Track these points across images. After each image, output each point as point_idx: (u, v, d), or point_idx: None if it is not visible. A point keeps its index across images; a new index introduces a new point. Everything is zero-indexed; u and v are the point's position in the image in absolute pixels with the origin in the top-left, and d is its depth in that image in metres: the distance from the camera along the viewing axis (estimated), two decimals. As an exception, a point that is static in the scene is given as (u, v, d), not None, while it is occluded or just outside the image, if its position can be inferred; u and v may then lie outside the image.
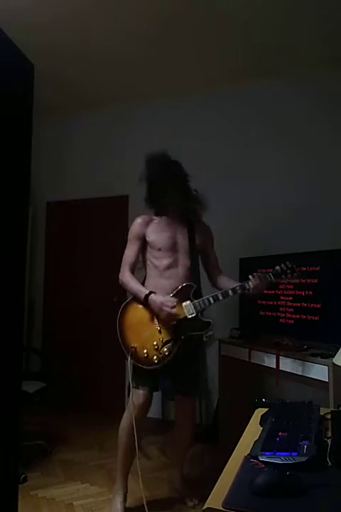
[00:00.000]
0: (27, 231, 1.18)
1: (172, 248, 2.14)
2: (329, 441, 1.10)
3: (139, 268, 2.23)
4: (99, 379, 3.87)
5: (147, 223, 2.19)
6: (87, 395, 3.84)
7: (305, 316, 2.48)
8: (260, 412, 1.37)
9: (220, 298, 2.05)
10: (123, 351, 2.08)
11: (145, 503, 1.92)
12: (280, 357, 2.40)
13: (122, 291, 2.89)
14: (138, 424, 1.99)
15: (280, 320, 2.64)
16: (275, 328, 2.67)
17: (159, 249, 2.13)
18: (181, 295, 2.07)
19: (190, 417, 2.31)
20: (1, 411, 1.04)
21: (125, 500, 2.11)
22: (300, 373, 2.28)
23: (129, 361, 2.03)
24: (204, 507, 0.84)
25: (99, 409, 3.68)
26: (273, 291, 2.67)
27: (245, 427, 1.28)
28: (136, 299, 2.12)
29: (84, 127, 4.12)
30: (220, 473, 0.97)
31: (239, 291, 2.09)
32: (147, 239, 2.17)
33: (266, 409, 1.36)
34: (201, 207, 2.23)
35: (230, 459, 1.05)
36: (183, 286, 2.09)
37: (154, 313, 2.06)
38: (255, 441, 1.10)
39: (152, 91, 3.71)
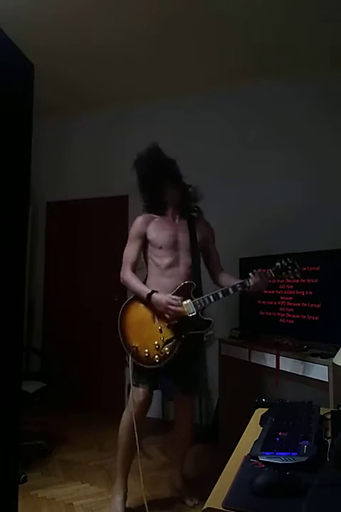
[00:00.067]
0: (27, 231, 1.18)
1: (174, 246, 2.14)
2: (329, 441, 1.10)
3: (139, 269, 2.23)
4: (99, 379, 3.87)
5: (148, 222, 2.19)
6: (87, 394, 3.85)
7: (305, 316, 2.48)
8: (260, 412, 1.37)
9: (220, 296, 2.04)
10: (125, 350, 2.08)
11: (145, 502, 1.92)
12: (280, 357, 2.40)
13: (122, 290, 2.90)
14: (139, 422, 2.00)
15: (280, 320, 2.64)
16: (275, 328, 2.67)
17: (160, 248, 2.13)
18: (181, 294, 2.07)
19: (190, 415, 2.31)
20: (1, 411, 1.04)
21: (125, 499, 2.11)
22: (300, 373, 2.28)
23: (130, 360, 2.03)
24: (204, 507, 0.84)
25: (99, 409, 3.68)
26: (273, 291, 2.67)
27: (245, 427, 1.28)
28: (137, 298, 2.12)
29: (84, 127, 4.12)
30: (220, 473, 0.97)
31: (239, 289, 2.08)
32: (148, 237, 2.17)
33: (266, 409, 1.36)
34: (196, 199, 2.26)
35: (230, 459, 1.05)
36: (183, 285, 2.09)
37: (155, 312, 2.06)
38: (255, 441, 1.10)
39: (152, 91, 3.71)
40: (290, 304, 2.58)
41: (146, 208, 2.25)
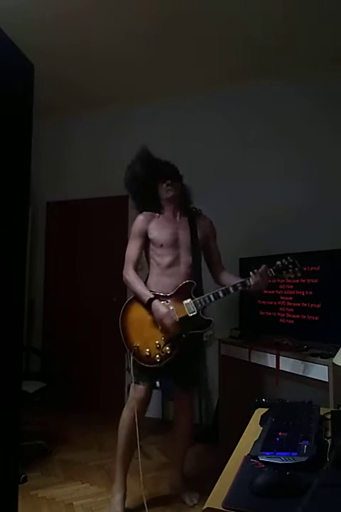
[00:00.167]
0: (27, 231, 1.18)
1: (174, 244, 2.14)
2: (329, 441, 1.10)
3: (139, 269, 2.23)
4: (99, 379, 3.87)
5: (149, 220, 2.19)
6: (87, 394, 3.84)
7: (305, 316, 2.48)
8: (260, 412, 1.36)
9: (221, 295, 2.04)
10: (126, 349, 2.09)
11: (145, 501, 1.92)
12: (280, 357, 2.40)
13: (122, 291, 2.90)
14: (139, 419, 2.00)
15: (280, 320, 2.64)
16: (276, 328, 2.67)
17: (161, 246, 2.14)
18: (182, 293, 2.07)
19: (189, 415, 2.31)
20: (1, 411, 1.04)
21: (124, 498, 2.11)
22: (300, 373, 2.28)
23: (131, 358, 2.03)
24: (204, 507, 0.84)
25: (98, 409, 3.68)
26: (273, 291, 2.67)
27: (245, 427, 1.27)
28: (138, 298, 2.13)
29: (84, 127, 4.12)
30: (220, 473, 0.97)
31: (239, 288, 2.08)
32: (149, 235, 2.18)
33: (266, 409, 1.36)
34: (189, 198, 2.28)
35: (230, 459, 1.05)
36: (184, 284, 2.09)
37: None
38: (255, 441, 1.10)
39: (152, 91, 3.71)
40: (290, 303, 2.58)
41: (143, 207, 2.25)
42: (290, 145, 3.35)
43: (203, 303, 2.05)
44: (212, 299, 2.05)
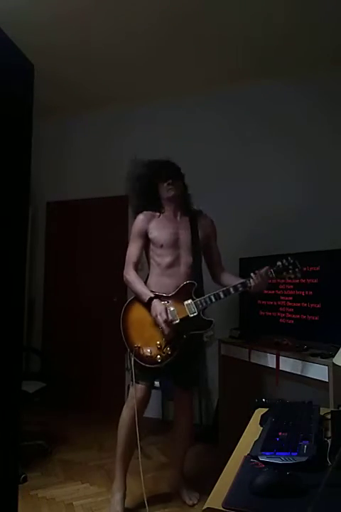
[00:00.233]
0: (27, 231, 1.18)
1: (175, 244, 2.14)
2: (329, 441, 1.10)
3: (140, 269, 2.23)
4: (99, 379, 3.87)
5: (149, 220, 2.19)
6: (87, 394, 3.84)
7: (305, 316, 2.48)
8: (260, 412, 1.37)
9: (221, 296, 2.04)
10: (126, 349, 2.09)
11: (145, 499, 1.92)
12: (280, 357, 2.40)
13: (122, 291, 2.90)
14: (138, 418, 2.01)
15: (280, 320, 2.64)
16: (276, 328, 2.67)
17: (161, 246, 2.13)
18: (183, 293, 2.07)
19: (189, 415, 2.31)
20: (1, 411, 1.04)
21: (124, 498, 2.11)
22: (300, 373, 2.28)
23: (132, 358, 2.03)
24: (204, 507, 0.84)
25: (98, 409, 3.68)
26: (273, 291, 2.67)
27: (245, 427, 1.27)
28: (138, 298, 2.12)
29: (84, 127, 4.12)
30: (220, 473, 0.97)
31: (240, 289, 2.08)
32: (149, 235, 2.17)
33: (266, 409, 1.36)
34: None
35: (230, 459, 1.05)
36: (184, 285, 2.09)
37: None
38: (255, 441, 1.10)
39: (152, 91, 3.71)
40: (290, 304, 2.58)
41: (143, 207, 2.24)
42: (290, 145, 3.35)
43: (204, 304, 2.05)
44: (213, 299, 2.05)
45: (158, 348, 2.03)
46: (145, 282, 2.17)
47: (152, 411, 3.20)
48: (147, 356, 2.03)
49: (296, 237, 3.10)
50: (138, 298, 2.12)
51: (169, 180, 2.17)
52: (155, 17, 2.70)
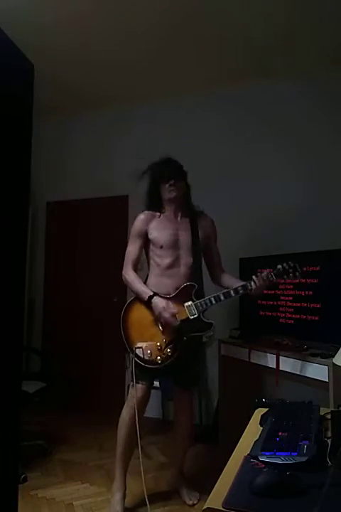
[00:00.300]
0: (27, 231, 1.18)
1: (174, 245, 2.14)
2: (329, 441, 1.10)
3: (139, 269, 2.23)
4: (99, 379, 3.87)
5: (149, 220, 2.18)
6: (87, 394, 3.84)
7: (305, 316, 2.48)
8: (260, 412, 1.37)
9: (222, 298, 2.04)
10: (127, 349, 2.09)
11: (146, 498, 1.92)
12: (280, 357, 2.40)
13: (122, 291, 2.90)
14: (139, 418, 2.01)
15: (280, 320, 2.64)
16: (276, 328, 2.67)
17: (161, 247, 2.13)
18: (183, 295, 2.07)
19: (189, 415, 2.31)
20: (1, 411, 1.04)
21: (124, 498, 2.11)
22: (300, 373, 2.28)
23: (132, 359, 2.03)
24: (204, 507, 0.84)
25: (98, 409, 3.68)
26: (273, 291, 2.67)
27: (245, 427, 1.28)
28: (139, 298, 2.12)
29: (84, 127, 4.12)
30: (220, 473, 0.97)
31: (241, 292, 2.08)
32: (149, 236, 2.17)
33: (266, 409, 1.36)
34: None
35: (230, 459, 1.05)
36: (185, 286, 2.09)
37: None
38: (255, 441, 1.10)
39: (152, 91, 3.71)
40: (290, 303, 2.58)
41: (146, 206, 2.24)
42: (290, 145, 3.35)
43: (204, 305, 2.05)
44: (213, 301, 2.05)
45: (158, 349, 2.03)
46: (145, 282, 2.16)
47: (152, 411, 3.20)
48: (147, 357, 2.03)
49: (296, 237, 3.10)
50: (138, 297, 2.12)
51: (171, 180, 2.15)
52: (155, 17, 2.70)
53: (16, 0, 2.51)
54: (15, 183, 1.11)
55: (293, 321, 2.55)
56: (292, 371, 2.33)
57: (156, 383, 2.78)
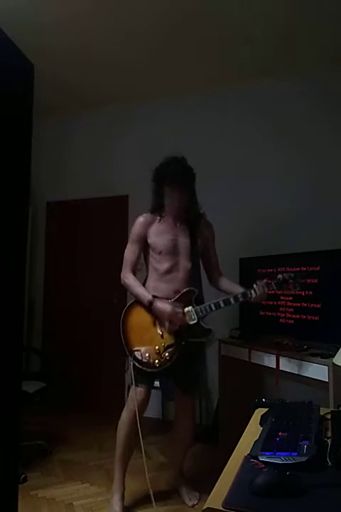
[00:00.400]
0: (27, 231, 1.18)
1: (173, 251, 2.13)
2: (329, 441, 1.10)
3: (138, 269, 2.23)
4: (99, 379, 3.87)
5: (149, 224, 2.16)
6: (87, 395, 3.84)
7: (305, 316, 2.48)
8: (260, 412, 1.37)
9: (222, 305, 2.05)
10: (126, 351, 2.09)
11: (151, 493, 1.94)
12: (280, 357, 2.40)
13: (122, 291, 2.90)
14: (138, 420, 2.00)
15: (280, 320, 2.64)
16: (276, 328, 2.67)
17: (160, 253, 2.12)
18: (183, 300, 2.08)
19: (190, 415, 2.31)
20: (1, 411, 1.04)
21: (123, 499, 2.12)
22: (300, 373, 2.28)
23: (131, 362, 2.04)
24: (204, 507, 0.84)
25: (98, 409, 3.68)
26: (273, 291, 2.66)
27: (245, 427, 1.28)
28: (138, 301, 2.12)
29: (84, 127, 4.12)
30: (220, 473, 0.97)
31: (241, 299, 2.09)
32: (148, 240, 2.16)
33: (266, 409, 1.36)
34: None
35: (230, 459, 1.05)
36: (185, 292, 2.09)
37: (157, 317, 2.06)
38: (255, 441, 1.10)
39: (152, 91, 3.71)
40: (290, 303, 2.58)
41: (150, 209, 2.21)
42: (290, 145, 3.36)
43: (204, 312, 2.06)
44: (213, 308, 2.05)
45: (157, 353, 2.03)
46: (143, 285, 2.16)
47: (152, 411, 3.20)
48: (145, 360, 2.03)
49: (296, 237, 3.10)
50: (138, 301, 2.12)
51: (176, 189, 2.09)
52: (155, 17, 2.70)
53: (16, 0, 2.51)
54: (15, 183, 1.11)
55: (293, 321, 2.55)
56: (292, 371, 2.33)
57: (156, 383, 2.78)
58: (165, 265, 2.12)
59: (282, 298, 2.64)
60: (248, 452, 1.05)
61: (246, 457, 1.03)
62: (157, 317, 2.06)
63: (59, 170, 4.17)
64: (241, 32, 2.85)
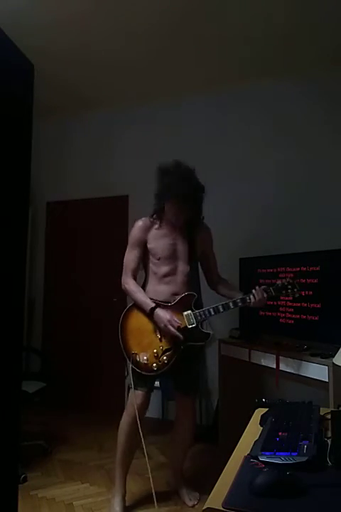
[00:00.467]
0: (27, 231, 1.18)
1: (172, 255, 2.13)
2: (329, 441, 1.10)
3: (140, 269, 2.23)
4: (99, 379, 3.87)
5: (148, 228, 2.16)
6: (87, 395, 3.85)
7: (305, 316, 2.48)
8: (260, 412, 1.37)
9: (221, 310, 2.06)
10: (124, 355, 2.09)
11: (154, 493, 1.94)
12: (280, 357, 2.40)
13: (122, 291, 2.89)
14: (137, 424, 2.00)
15: (280, 320, 2.64)
16: (276, 328, 2.67)
17: (159, 259, 2.13)
18: (182, 304, 2.08)
19: (191, 416, 2.31)
20: (1, 411, 1.04)
21: (124, 500, 2.12)
22: (300, 373, 2.28)
23: (130, 366, 2.04)
24: (204, 507, 0.84)
25: (98, 409, 3.69)
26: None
27: (245, 427, 1.28)
28: (138, 306, 2.12)
29: (84, 127, 4.12)
30: (220, 473, 0.97)
31: (239, 304, 2.10)
32: (148, 245, 2.16)
33: (266, 409, 1.36)
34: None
35: (230, 459, 1.05)
36: (184, 296, 2.09)
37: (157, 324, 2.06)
38: (255, 441, 1.10)
39: (152, 91, 3.71)
40: (290, 303, 2.58)
41: (151, 213, 2.19)
42: (290, 145, 3.36)
43: (203, 316, 2.06)
44: (212, 313, 2.06)
45: (155, 357, 2.03)
46: (142, 287, 2.16)
47: (152, 411, 3.20)
48: (144, 364, 2.03)
49: (296, 237, 3.10)
50: (138, 306, 2.11)
51: (182, 208, 2.05)
52: (155, 17, 2.70)
53: (17, 0, 2.51)
54: (15, 183, 1.11)
55: (293, 321, 2.55)
56: (292, 371, 2.33)
57: (156, 383, 2.78)
58: (164, 269, 2.12)
59: (282, 298, 2.64)
60: (248, 452, 1.05)
61: (246, 457, 1.03)
62: (157, 324, 2.05)
63: (59, 170, 4.17)
64: (241, 32, 2.85)
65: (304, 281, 2.46)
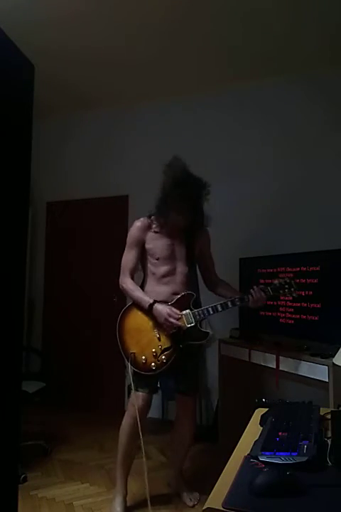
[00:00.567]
0: (27, 231, 1.18)
1: (170, 256, 2.14)
2: (329, 441, 1.10)
3: (139, 269, 2.23)
4: (99, 379, 3.87)
5: (146, 229, 2.15)
6: (87, 395, 3.85)
7: (305, 316, 2.48)
8: (260, 412, 1.37)
9: (219, 309, 2.06)
10: (122, 355, 2.09)
11: (148, 497, 1.92)
12: (280, 357, 2.40)
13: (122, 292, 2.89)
14: (138, 426, 2.00)
15: (280, 320, 2.64)
16: (276, 328, 2.67)
17: (157, 259, 2.13)
18: (181, 304, 2.08)
19: (191, 416, 2.31)
20: (1, 411, 1.04)
21: (125, 501, 2.12)
22: (300, 373, 2.28)
23: (129, 366, 2.04)
24: (204, 507, 0.84)
25: (98, 409, 3.68)
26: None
27: (245, 427, 1.28)
28: (136, 304, 2.12)
29: (84, 127, 4.12)
30: (220, 473, 0.97)
31: (238, 304, 2.11)
32: (146, 246, 2.16)
33: (266, 409, 1.36)
34: (205, 221, 2.19)
35: (230, 459, 1.05)
36: (183, 295, 2.10)
37: (155, 320, 2.06)
38: (255, 441, 1.10)
39: (152, 91, 3.71)
40: (290, 303, 2.58)
41: (152, 214, 2.18)
42: (290, 145, 3.35)
43: (202, 315, 2.06)
44: (211, 312, 2.06)
45: (154, 356, 2.03)
46: (141, 287, 2.16)
47: (152, 411, 3.16)
48: (142, 363, 2.03)
49: (296, 237, 3.10)
50: (137, 305, 2.11)
51: (184, 215, 2.05)
52: (155, 17, 2.70)
53: (16, 0, 2.51)
54: (15, 183, 1.11)
55: (293, 321, 2.55)
56: (292, 371, 2.33)
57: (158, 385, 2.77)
58: (162, 269, 2.13)
59: (282, 298, 2.64)
60: (248, 452, 1.05)
61: (246, 457, 1.03)
62: (156, 319, 2.05)
63: (59, 170, 4.17)
64: (241, 32, 2.85)
65: (304, 281, 2.46)
